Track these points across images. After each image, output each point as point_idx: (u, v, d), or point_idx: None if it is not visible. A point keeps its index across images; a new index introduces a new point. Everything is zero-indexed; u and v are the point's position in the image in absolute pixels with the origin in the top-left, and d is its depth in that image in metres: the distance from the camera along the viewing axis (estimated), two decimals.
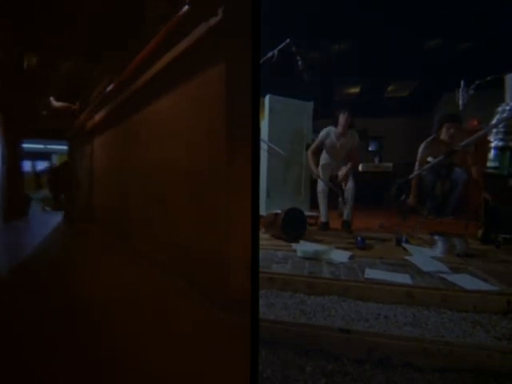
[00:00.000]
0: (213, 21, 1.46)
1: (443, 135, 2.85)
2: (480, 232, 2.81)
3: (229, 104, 1.46)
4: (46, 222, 2.08)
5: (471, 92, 3.59)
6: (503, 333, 1.39)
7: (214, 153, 1.54)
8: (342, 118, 3.24)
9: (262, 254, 2.36)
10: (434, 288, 1.76)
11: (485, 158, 3.03)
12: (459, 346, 1.24)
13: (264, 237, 2.91)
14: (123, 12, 1.70)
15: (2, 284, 1.64)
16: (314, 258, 2.31)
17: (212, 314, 1.44)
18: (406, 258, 2.32)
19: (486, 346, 1.27)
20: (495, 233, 2.70)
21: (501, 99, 3.05)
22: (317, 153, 3.48)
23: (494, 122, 2.99)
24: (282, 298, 1.74)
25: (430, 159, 2.95)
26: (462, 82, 3.64)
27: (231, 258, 1.44)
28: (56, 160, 2.13)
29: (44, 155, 2.05)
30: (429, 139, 2.97)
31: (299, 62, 3.17)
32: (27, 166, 1.98)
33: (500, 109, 2.98)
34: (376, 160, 6.79)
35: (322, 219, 3.43)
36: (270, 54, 3.14)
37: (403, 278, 1.92)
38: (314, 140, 3.63)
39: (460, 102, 3.65)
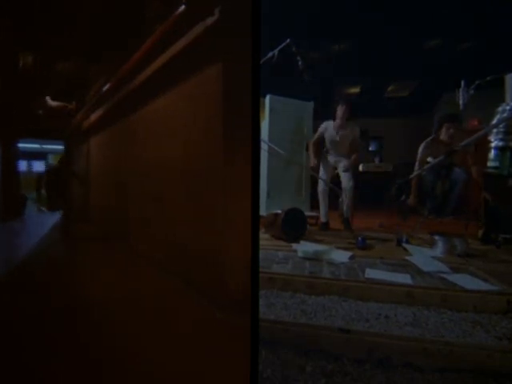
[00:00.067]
0: (212, 20, 1.46)
1: (443, 135, 2.85)
2: (480, 232, 2.81)
3: (229, 104, 1.46)
4: (41, 222, 2.08)
5: (471, 92, 3.58)
6: (503, 333, 1.39)
7: (214, 152, 1.54)
8: (340, 110, 3.24)
9: (262, 254, 2.36)
10: (435, 288, 1.76)
11: (485, 158, 3.02)
12: (459, 346, 1.24)
13: (264, 237, 2.91)
14: (121, 12, 1.70)
15: None
16: (315, 258, 2.31)
17: (212, 313, 1.44)
18: (407, 258, 2.32)
19: (486, 345, 1.27)
20: (495, 233, 2.70)
21: (501, 99, 3.05)
22: (318, 145, 3.47)
23: (494, 122, 2.99)
24: (282, 298, 1.74)
25: (429, 159, 2.95)
26: (462, 82, 3.64)
27: (231, 258, 1.44)
28: (52, 160, 2.13)
29: (40, 155, 2.05)
30: (428, 139, 2.97)
31: (299, 62, 3.17)
32: (23, 165, 1.97)
33: (500, 109, 2.98)
34: (376, 160, 6.79)
35: (322, 219, 3.43)
36: (270, 54, 3.14)
37: (403, 278, 1.91)
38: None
39: (460, 102, 3.65)
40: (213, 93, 1.53)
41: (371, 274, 1.98)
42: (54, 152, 2.13)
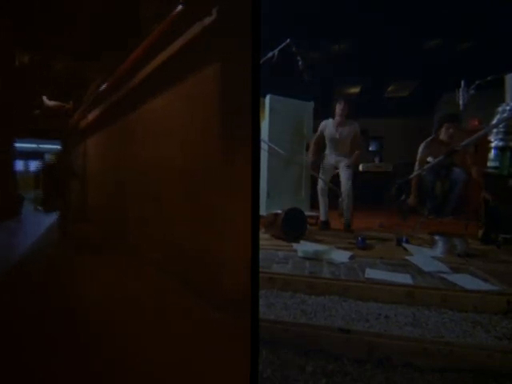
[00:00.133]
0: (210, 20, 1.46)
1: (442, 135, 2.85)
2: (480, 232, 2.80)
3: (227, 104, 1.46)
4: (38, 222, 2.07)
5: (471, 92, 3.58)
6: (503, 333, 1.39)
7: (212, 152, 1.54)
8: (339, 108, 3.26)
9: (262, 254, 2.36)
10: (435, 288, 1.76)
11: (485, 158, 3.02)
12: (459, 346, 1.24)
13: (264, 237, 2.91)
14: (118, 11, 1.70)
15: None
16: (315, 258, 2.31)
17: (212, 314, 1.44)
18: (407, 257, 2.32)
19: (486, 345, 1.27)
20: (495, 233, 2.70)
21: (501, 99, 3.05)
22: (318, 143, 3.50)
23: (494, 122, 2.99)
24: (282, 298, 1.74)
25: (429, 159, 2.95)
26: (462, 82, 3.64)
27: (231, 258, 1.44)
28: (49, 159, 2.12)
29: (37, 155, 2.04)
30: (428, 139, 2.97)
31: (299, 62, 3.17)
32: (19, 165, 1.97)
33: (500, 109, 2.98)
34: (376, 160, 6.79)
35: (322, 218, 3.43)
36: (270, 54, 3.14)
37: (404, 278, 1.91)
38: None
39: (460, 102, 3.65)
40: (210, 93, 1.53)
41: (371, 273, 1.98)
42: (51, 152, 2.12)
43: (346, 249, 2.52)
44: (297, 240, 2.76)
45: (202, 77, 1.61)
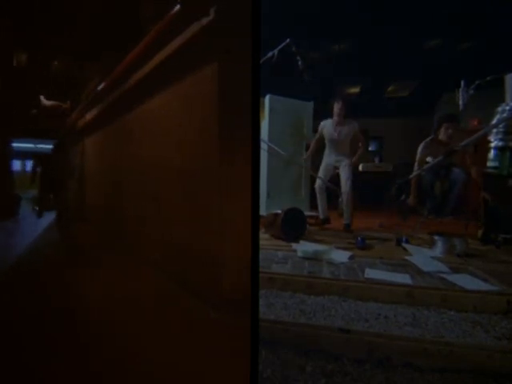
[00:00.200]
0: (208, 20, 1.45)
1: (442, 135, 2.86)
2: (480, 232, 2.80)
3: (225, 104, 1.46)
4: (35, 222, 2.06)
5: (471, 92, 3.58)
6: (503, 333, 1.39)
7: (210, 152, 1.54)
8: (336, 107, 3.26)
9: (261, 254, 2.35)
10: (434, 288, 1.76)
11: (484, 158, 3.02)
12: (459, 347, 1.24)
13: (264, 237, 2.91)
14: (116, 11, 1.69)
15: None
16: (314, 258, 2.30)
17: (212, 314, 1.44)
18: (406, 257, 2.32)
19: (486, 346, 1.27)
20: (495, 233, 2.70)
21: (501, 99, 3.05)
22: (317, 143, 3.52)
23: (493, 122, 2.99)
24: (281, 298, 1.74)
25: (428, 159, 2.95)
26: (462, 82, 3.63)
27: (231, 258, 1.44)
28: (47, 159, 2.11)
29: (34, 154, 2.04)
30: (427, 139, 2.97)
31: (299, 62, 3.17)
32: (16, 165, 1.96)
33: (500, 109, 2.98)
34: (376, 160, 6.79)
35: (320, 216, 3.44)
36: (269, 54, 3.14)
37: (403, 278, 1.91)
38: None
39: (460, 102, 3.65)
40: (211, 92, 1.53)
41: (371, 273, 1.98)
42: (48, 151, 2.12)
43: (345, 249, 2.52)
44: (296, 240, 2.75)
45: (202, 77, 1.61)
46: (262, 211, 3.45)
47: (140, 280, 1.77)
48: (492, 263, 2.23)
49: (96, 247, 2.04)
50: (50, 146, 1.96)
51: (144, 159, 2.04)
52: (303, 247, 2.48)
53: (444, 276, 1.97)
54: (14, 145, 1.93)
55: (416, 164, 2.98)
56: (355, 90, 7.05)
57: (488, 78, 3.33)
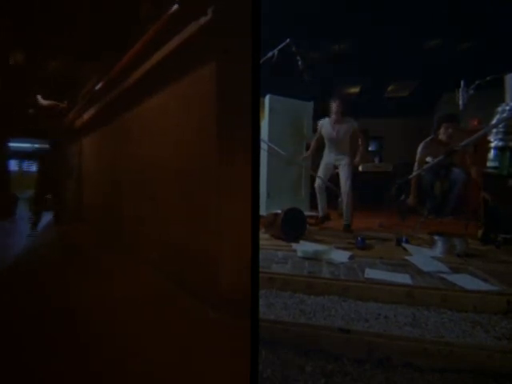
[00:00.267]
0: (206, 20, 1.45)
1: (441, 135, 2.86)
2: (480, 232, 2.81)
3: (223, 103, 1.46)
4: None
5: (471, 92, 3.58)
6: (503, 333, 1.39)
7: (209, 152, 1.54)
8: (333, 106, 3.26)
9: (261, 254, 2.35)
10: (434, 288, 1.76)
11: (484, 158, 3.03)
12: (459, 347, 1.24)
13: (264, 237, 2.91)
14: (114, 11, 1.69)
15: None
16: (314, 258, 2.31)
17: (212, 314, 1.44)
18: (406, 257, 2.32)
19: (486, 346, 1.27)
20: (495, 233, 2.70)
21: (501, 99, 3.05)
22: (317, 142, 3.53)
23: (493, 122, 2.99)
24: (281, 298, 1.74)
25: (428, 159, 2.95)
26: (462, 82, 3.63)
27: (231, 258, 1.44)
28: (44, 159, 2.11)
29: (31, 154, 2.03)
30: (427, 139, 2.98)
31: (299, 62, 3.17)
32: (13, 165, 1.96)
33: (500, 109, 2.98)
34: (376, 160, 6.79)
35: (320, 214, 3.44)
36: (269, 54, 3.14)
37: (403, 278, 1.91)
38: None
39: (460, 102, 3.64)
40: (211, 93, 1.53)
41: (371, 273, 1.98)
42: (45, 151, 2.11)
43: (345, 249, 2.52)
44: (296, 240, 2.76)
45: (202, 77, 1.61)
46: (262, 211, 3.45)
47: (142, 280, 1.77)
48: (492, 263, 2.23)
49: (93, 247, 2.04)
50: (47, 146, 1.96)
51: (142, 159, 2.04)
52: (303, 247, 2.48)
53: (444, 276, 1.97)
54: (11, 144, 1.93)
55: (416, 164, 2.98)
56: (355, 89, 7.05)
57: (488, 78, 3.33)
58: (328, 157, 3.43)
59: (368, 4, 3.95)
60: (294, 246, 2.60)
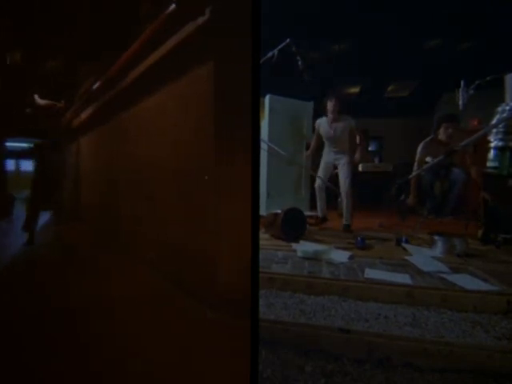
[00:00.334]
0: (204, 20, 1.45)
1: (441, 135, 2.86)
2: (480, 232, 2.80)
3: (229, 104, 1.46)
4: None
5: (471, 92, 3.58)
6: (503, 333, 1.39)
7: (206, 152, 1.54)
8: (330, 105, 3.25)
9: (261, 253, 2.35)
10: (434, 288, 1.76)
11: (484, 158, 3.02)
12: (459, 347, 1.24)
13: (264, 237, 2.90)
14: (112, 11, 1.69)
15: None
16: (314, 258, 2.30)
17: (212, 314, 1.44)
18: (406, 257, 2.32)
19: (486, 346, 1.27)
20: (495, 233, 2.70)
21: (501, 99, 3.05)
22: (317, 142, 3.53)
23: (493, 122, 2.99)
24: (281, 298, 1.74)
25: (428, 159, 2.95)
26: (462, 82, 3.63)
27: (231, 258, 1.44)
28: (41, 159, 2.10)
29: (29, 154, 2.03)
30: (427, 139, 2.97)
31: (299, 62, 3.17)
32: (11, 165, 1.95)
33: (500, 109, 2.98)
34: (376, 160, 6.78)
35: (319, 214, 3.44)
36: (269, 54, 3.14)
37: (403, 278, 1.91)
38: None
39: (460, 102, 3.64)
40: (211, 93, 1.53)
41: (371, 273, 1.98)
42: (42, 151, 2.10)
43: (345, 249, 2.52)
44: (296, 240, 2.75)
45: (198, 76, 1.61)
46: (262, 211, 3.45)
47: (138, 280, 1.77)
48: (492, 263, 2.23)
49: (91, 246, 2.04)
50: (44, 146, 1.95)
51: (140, 159, 2.04)
52: (303, 247, 2.48)
53: (444, 276, 1.97)
54: (7, 144, 1.92)
55: (416, 164, 2.98)
56: (355, 89, 7.05)
57: (488, 78, 3.33)
58: (327, 156, 3.43)
59: (368, 4, 3.94)
60: (294, 245, 2.60)
